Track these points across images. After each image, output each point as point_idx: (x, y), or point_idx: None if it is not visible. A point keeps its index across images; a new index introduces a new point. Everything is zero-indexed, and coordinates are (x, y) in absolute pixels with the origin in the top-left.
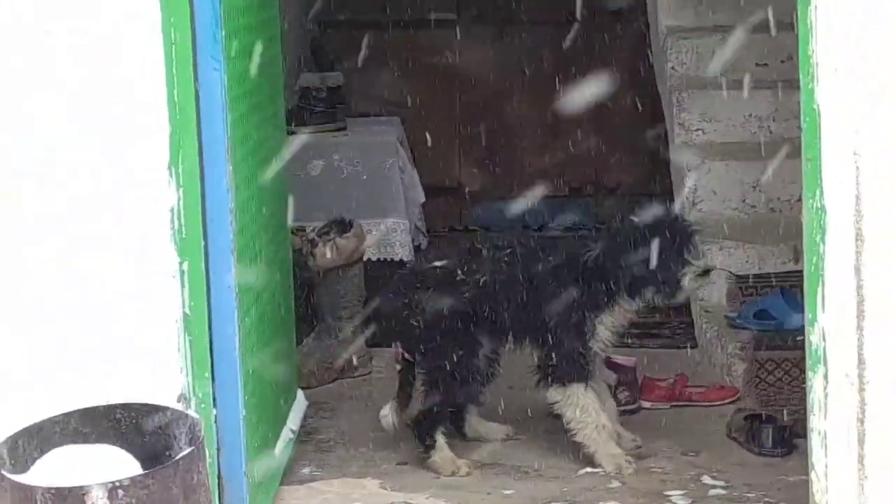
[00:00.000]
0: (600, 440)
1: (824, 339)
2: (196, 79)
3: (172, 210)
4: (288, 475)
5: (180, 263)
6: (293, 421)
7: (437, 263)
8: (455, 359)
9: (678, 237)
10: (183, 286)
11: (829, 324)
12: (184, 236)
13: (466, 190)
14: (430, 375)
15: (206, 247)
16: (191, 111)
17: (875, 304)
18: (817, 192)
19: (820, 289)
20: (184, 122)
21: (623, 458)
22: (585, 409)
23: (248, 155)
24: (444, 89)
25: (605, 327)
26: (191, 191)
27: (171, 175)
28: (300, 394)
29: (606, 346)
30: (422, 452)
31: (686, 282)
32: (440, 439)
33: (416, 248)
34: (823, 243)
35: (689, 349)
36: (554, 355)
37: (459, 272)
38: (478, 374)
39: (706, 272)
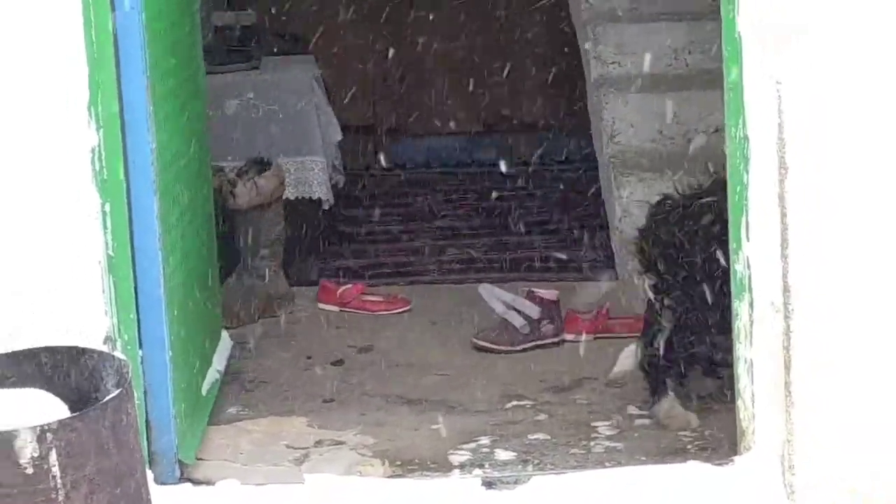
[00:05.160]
0: None
1: (749, 268)
2: (113, 17)
3: (93, 151)
4: (215, 415)
5: (102, 205)
6: (218, 361)
7: (704, 199)
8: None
9: None
10: (105, 228)
11: (754, 252)
12: (105, 177)
13: (382, 128)
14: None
15: (127, 187)
16: (109, 50)
17: (799, 231)
18: (740, 122)
19: (744, 217)
20: (102, 61)
21: None
22: None
23: (168, 93)
24: (358, 26)
25: None
26: (111, 131)
27: (90, 116)
28: (224, 334)
29: None
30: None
31: None
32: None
33: (333, 187)
34: (747, 172)
35: (610, 281)
36: None
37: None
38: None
39: None
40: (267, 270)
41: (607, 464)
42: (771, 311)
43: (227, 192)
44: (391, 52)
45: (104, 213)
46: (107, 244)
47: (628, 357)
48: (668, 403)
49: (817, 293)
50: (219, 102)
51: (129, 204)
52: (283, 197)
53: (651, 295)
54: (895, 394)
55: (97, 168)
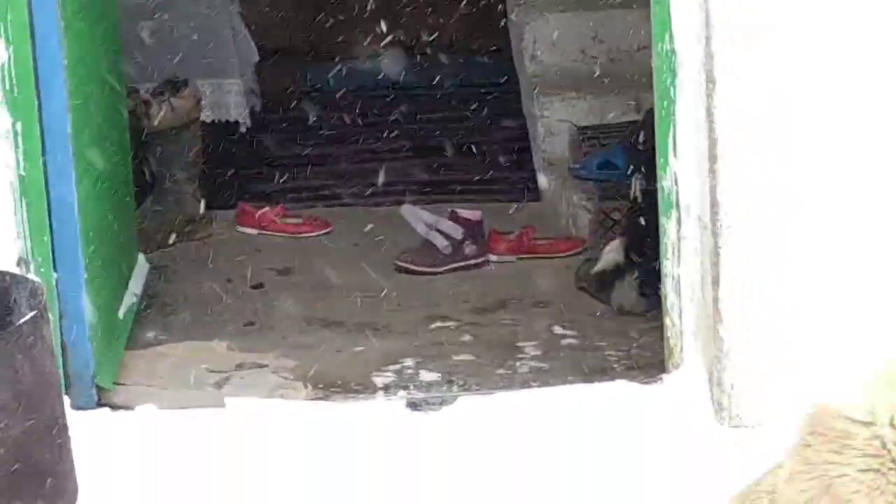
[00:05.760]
0: None
1: (676, 184)
2: None
3: (2, 68)
4: (132, 340)
5: (13, 124)
6: (135, 285)
7: None
8: None
9: None
10: (17, 147)
11: (682, 168)
12: (15, 95)
13: (300, 51)
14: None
15: (39, 106)
16: None
17: (728, 146)
18: (667, 36)
19: (671, 133)
20: None
21: None
22: None
23: (79, 9)
24: None
25: None
26: (21, 47)
27: None
28: (141, 257)
29: None
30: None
31: None
32: None
33: (251, 110)
34: (674, 87)
35: (531, 202)
36: None
37: None
38: None
39: None
40: (184, 194)
41: (533, 384)
42: (699, 228)
43: (141, 112)
44: None
45: (15, 132)
46: (18, 164)
47: (612, 251)
48: (629, 284)
49: (746, 208)
50: (133, 24)
51: (41, 123)
52: (200, 119)
53: (639, 196)
54: (827, 308)
55: (7, 86)
